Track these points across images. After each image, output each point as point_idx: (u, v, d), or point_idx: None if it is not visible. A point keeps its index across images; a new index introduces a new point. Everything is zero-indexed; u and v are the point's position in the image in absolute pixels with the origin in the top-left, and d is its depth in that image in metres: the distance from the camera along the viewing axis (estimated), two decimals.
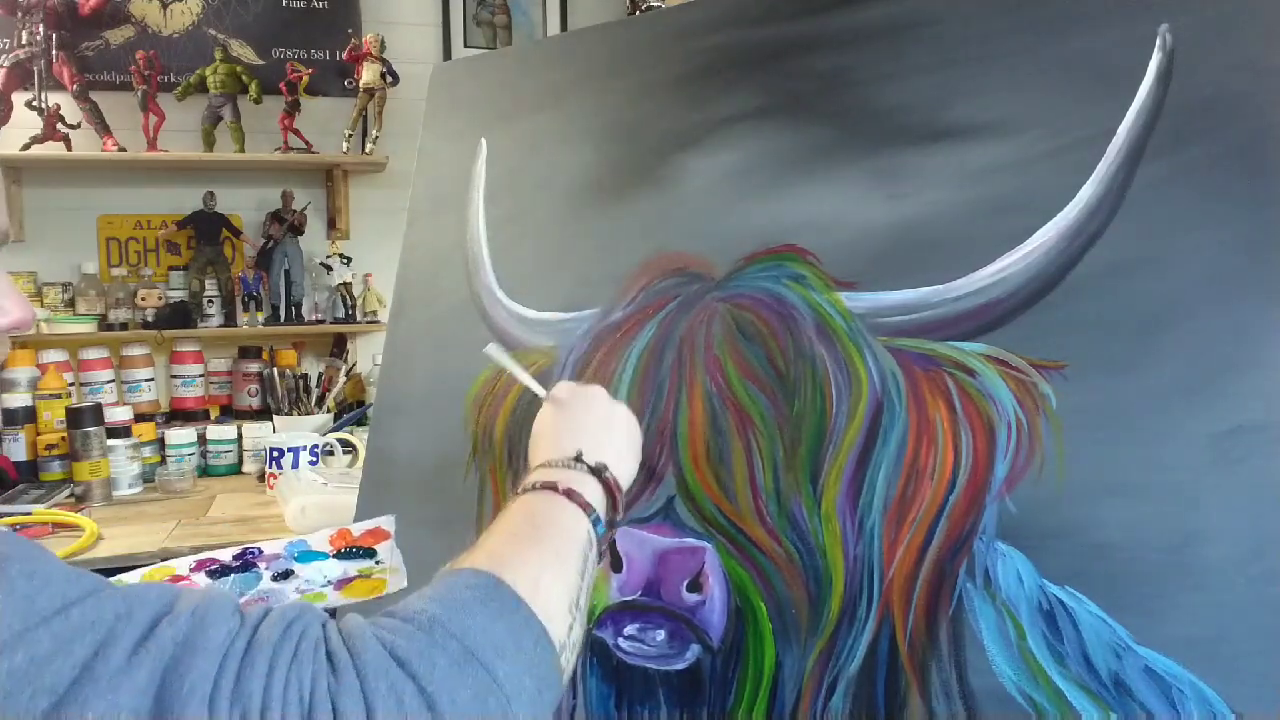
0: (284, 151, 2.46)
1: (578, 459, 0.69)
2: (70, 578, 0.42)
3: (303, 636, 0.46)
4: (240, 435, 2.26)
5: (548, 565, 0.56)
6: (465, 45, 2.73)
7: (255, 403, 2.47)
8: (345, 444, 2.06)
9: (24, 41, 2.27)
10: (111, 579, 0.52)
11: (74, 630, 0.40)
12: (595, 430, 0.74)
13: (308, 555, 1.07)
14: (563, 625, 0.54)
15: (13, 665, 0.38)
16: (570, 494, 0.65)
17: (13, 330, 0.56)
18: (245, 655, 0.43)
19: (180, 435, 2.20)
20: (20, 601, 0.39)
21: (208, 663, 0.42)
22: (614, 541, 0.82)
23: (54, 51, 2.28)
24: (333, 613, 0.51)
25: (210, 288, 2.44)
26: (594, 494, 0.67)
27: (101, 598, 0.42)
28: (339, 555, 1.06)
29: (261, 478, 2.12)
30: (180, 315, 2.41)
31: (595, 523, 0.65)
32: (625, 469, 0.74)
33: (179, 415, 2.41)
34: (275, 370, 2.34)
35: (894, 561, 0.73)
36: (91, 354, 2.29)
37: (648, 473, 0.84)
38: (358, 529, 1.10)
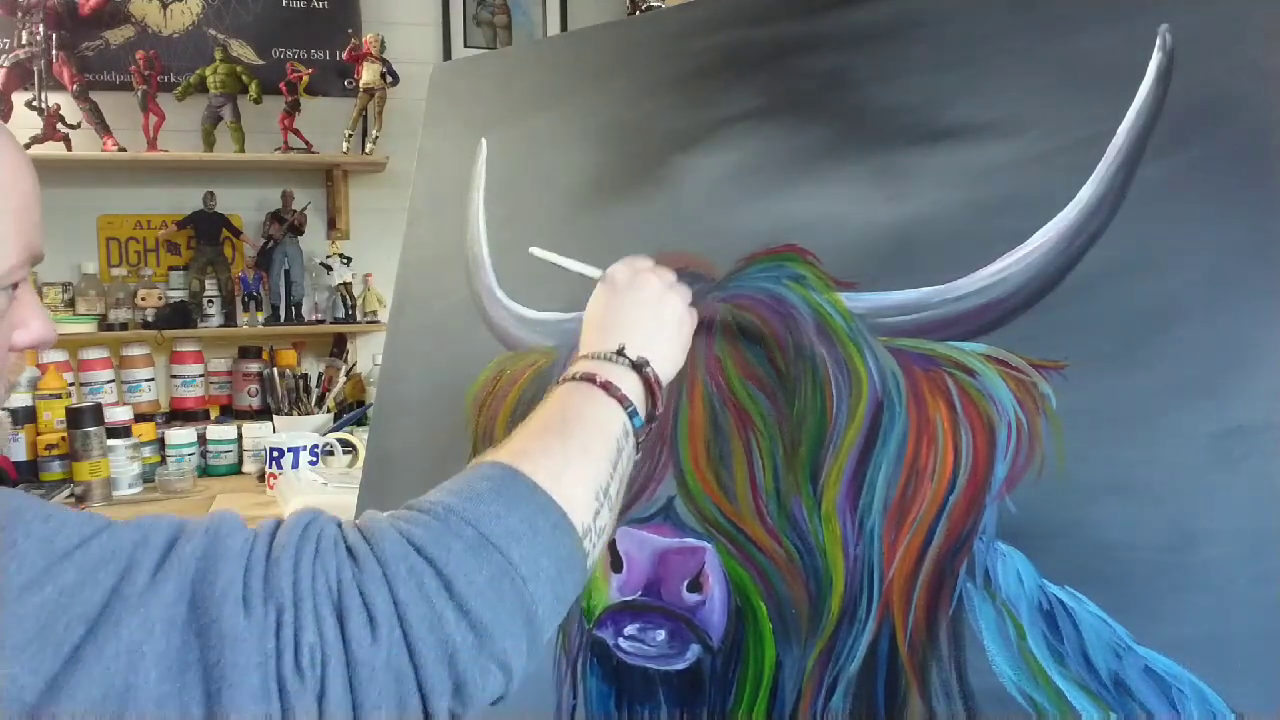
0: (284, 151, 2.46)
1: (620, 353, 0.69)
2: (83, 518, 0.44)
3: (321, 535, 0.47)
4: (240, 435, 2.27)
5: (573, 457, 0.57)
6: (465, 45, 2.73)
7: (255, 403, 2.47)
8: (345, 444, 2.06)
9: (24, 41, 2.27)
10: None
11: (95, 561, 0.42)
12: (643, 321, 0.73)
13: None
14: (587, 512, 0.56)
15: (43, 598, 0.40)
16: (608, 386, 0.65)
17: (35, 346, 0.58)
18: (268, 558, 0.45)
19: (180, 435, 2.21)
20: (40, 542, 0.41)
21: (233, 568, 0.44)
22: (614, 541, 0.82)
23: (54, 51, 2.28)
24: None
25: (210, 288, 2.44)
26: (632, 388, 0.67)
27: (115, 530, 0.44)
28: None
29: (261, 478, 2.12)
30: (180, 315, 2.41)
31: (632, 415, 0.65)
32: (670, 362, 0.74)
33: (179, 415, 2.41)
34: (275, 370, 2.34)
35: (894, 561, 0.73)
36: (91, 354, 2.30)
37: (648, 473, 0.84)
38: None
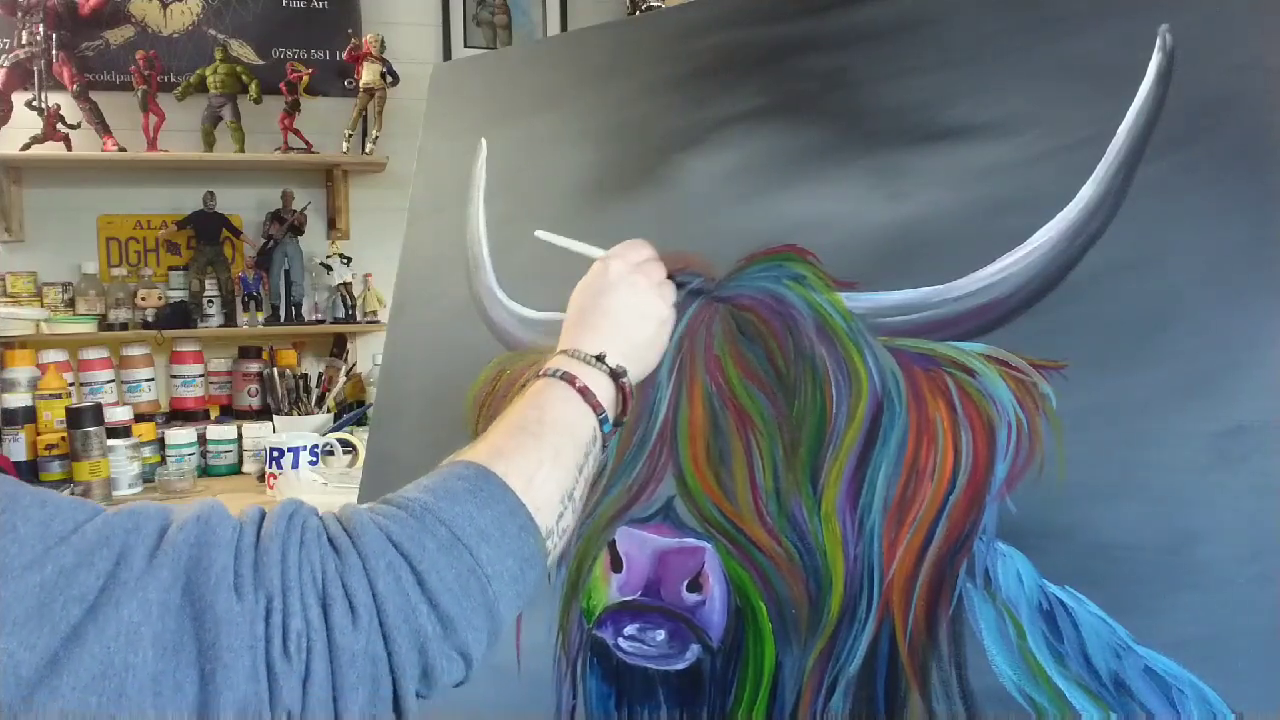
0: (284, 151, 2.46)
1: (600, 358, 0.71)
2: (76, 504, 0.46)
3: (305, 527, 0.50)
4: (240, 435, 2.27)
5: (545, 460, 0.61)
6: (465, 45, 2.73)
7: (255, 403, 2.47)
8: (345, 444, 2.06)
9: (24, 41, 2.27)
10: None
11: (91, 545, 0.43)
12: (626, 325, 0.76)
13: None
14: (552, 515, 0.59)
15: (43, 577, 0.41)
16: (585, 392, 0.68)
17: None
18: (257, 546, 0.48)
19: (180, 435, 2.21)
20: (38, 526, 0.43)
21: (224, 555, 0.46)
22: (614, 541, 0.82)
23: (54, 51, 2.28)
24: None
25: (210, 288, 2.44)
26: (607, 394, 0.70)
27: (108, 518, 0.46)
28: None
29: (261, 478, 2.12)
30: (180, 315, 2.41)
31: (603, 422, 0.68)
32: (645, 367, 0.77)
33: (179, 415, 2.41)
34: (275, 370, 2.34)
35: (894, 561, 0.73)
36: (91, 354, 2.30)
37: (648, 472, 0.84)
38: None
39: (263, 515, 0.51)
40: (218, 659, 0.43)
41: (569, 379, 0.68)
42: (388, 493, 0.56)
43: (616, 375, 0.71)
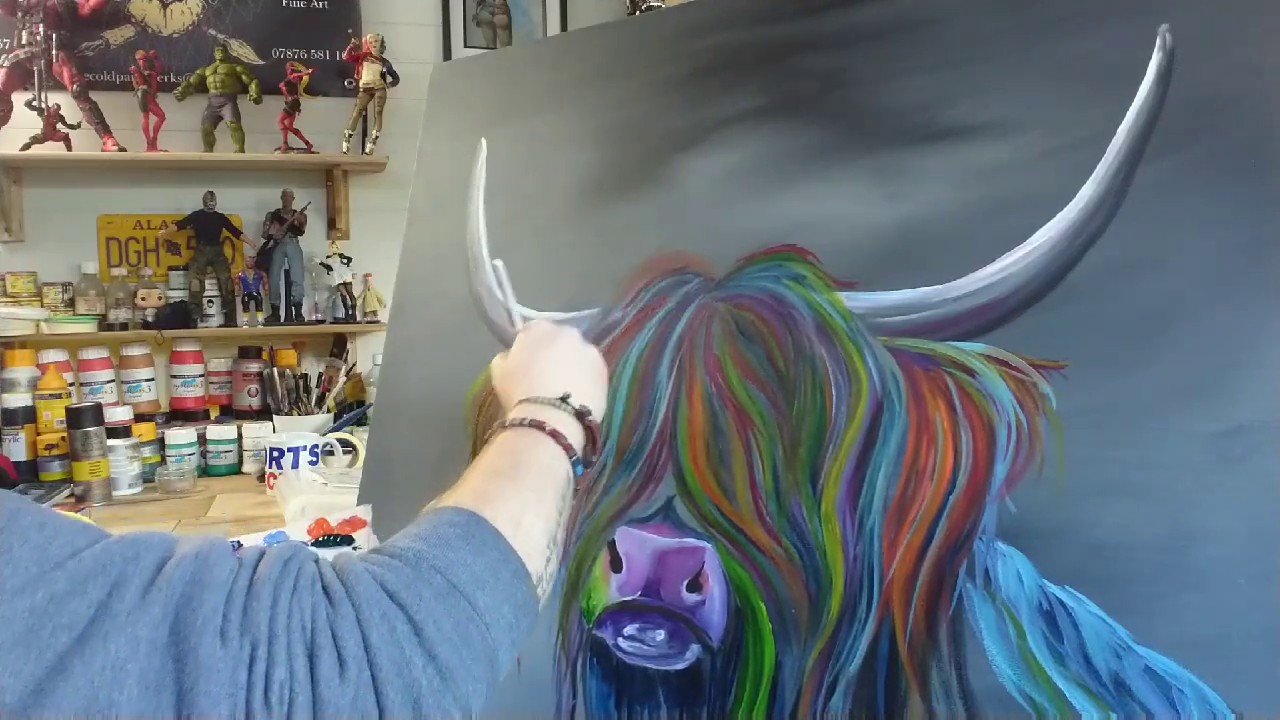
0: (284, 151, 2.46)
1: (564, 400, 0.72)
2: (77, 529, 0.46)
3: (300, 573, 0.49)
4: (240, 435, 2.26)
5: (529, 505, 0.60)
6: (465, 45, 2.73)
7: (255, 403, 2.47)
8: (345, 444, 2.06)
9: (24, 41, 2.27)
10: None
11: (87, 572, 0.43)
12: (573, 366, 0.77)
13: None
14: (540, 560, 0.58)
15: (34, 603, 0.41)
16: (555, 435, 0.68)
17: None
18: (249, 590, 0.47)
19: (180, 435, 2.20)
20: (34, 550, 0.42)
21: (216, 597, 0.45)
22: (613, 541, 0.82)
23: (54, 51, 2.28)
24: None
25: (210, 288, 2.44)
26: (575, 436, 0.70)
27: (108, 544, 0.45)
28: (317, 543, 1.09)
29: (261, 478, 2.12)
30: (180, 315, 2.41)
31: (575, 464, 0.68)
32: (599, 408, 0.78)
33: (179, 415, 2.41)
34: (275, 370, 2.34)
35: (894, 561, 0.73)
36: (91, 354, 2.29)
37: (648, 472, 0.84)
38: (335, 518, 1.12)
39: (261, 556, 0.50)
40: (194, 704, 0.42)
41: (537, 425, 0.68)
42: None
43: (582, 415, 0.72)
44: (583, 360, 0.79)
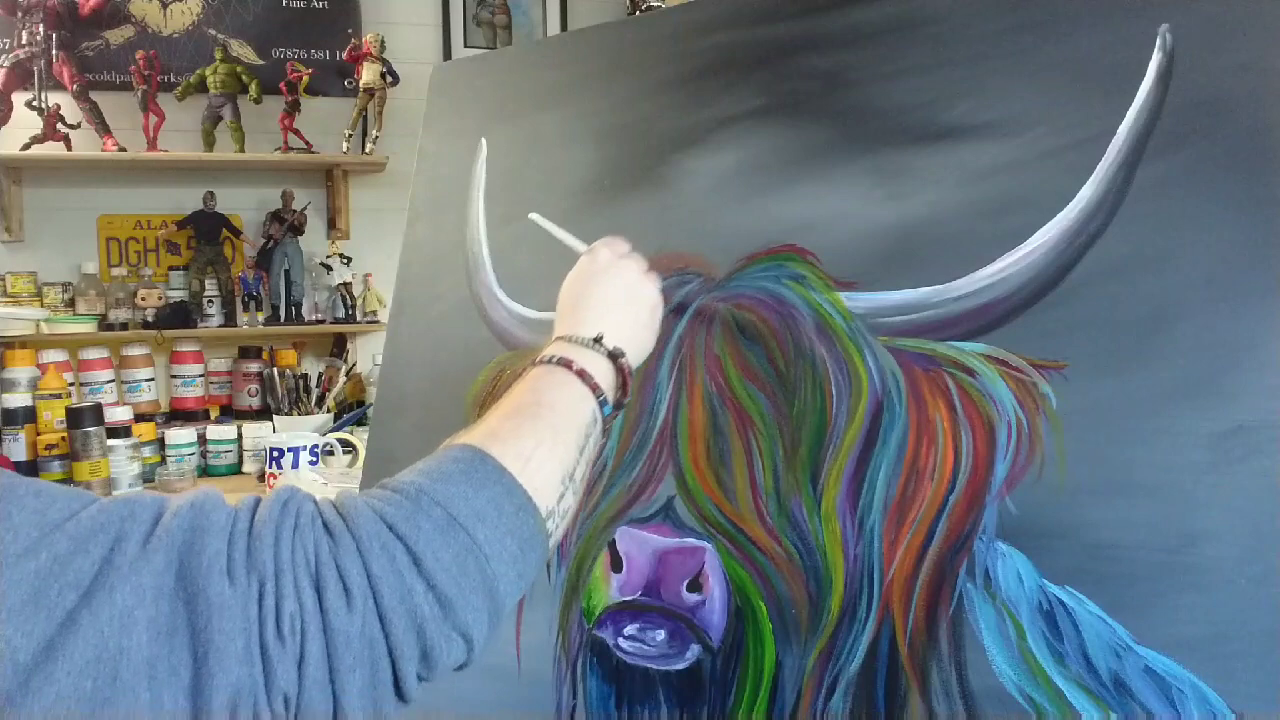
0: (284, 151, 2.46)
1: (597, 340, 0.71)
2: (72, 494, 0.47)
3: (300, 512, 0.50)
4: (240, 435, 2.27)
5: (544, 441, 0.60)
6: (465, 45, 2.73)
7: (255, 403, 2.47)
8: (345, 444, 2.06)
9: (24, 41, 2.27)
10: None
11: (87, 531, 0.44)
12: (620, 308, 0.76)
13: None
14: (552, 495, 0.59)
15: (38, 565, 0.42)
16: (583, 374, 0.67)
17: None
18: (250, 531, 0.48)
19: (180, 435, 2.21)
20: (33, 515, 0.44)
21: (218, 540, 0.46)
22: (614, 541, 0.82)
23: (54, 51, 2.28)
24: None
25: (210, 288, 2.44)
26: (605, 376, 0.69)
27: (104, 504, 0.47)
28: None
29: (261, 478, 2.12)
30: (180, 315, 2.41)
31: (602, 404, 0.68)
32: (642, 349, 0.77)
33: (179, 415, 2.41)
34: (275, 370, 2.34)
35: (894, 561, 0.73)
36: (91, 354, 2.30)
37: (648, 472, 0.84)
38: None
39: (258, 502, 0.52)
40: (210, 642, 0.43)
41: (565, 363, 0.68)
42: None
43: (615, 356, 0.71)
44: (633, 300, 0.77)
